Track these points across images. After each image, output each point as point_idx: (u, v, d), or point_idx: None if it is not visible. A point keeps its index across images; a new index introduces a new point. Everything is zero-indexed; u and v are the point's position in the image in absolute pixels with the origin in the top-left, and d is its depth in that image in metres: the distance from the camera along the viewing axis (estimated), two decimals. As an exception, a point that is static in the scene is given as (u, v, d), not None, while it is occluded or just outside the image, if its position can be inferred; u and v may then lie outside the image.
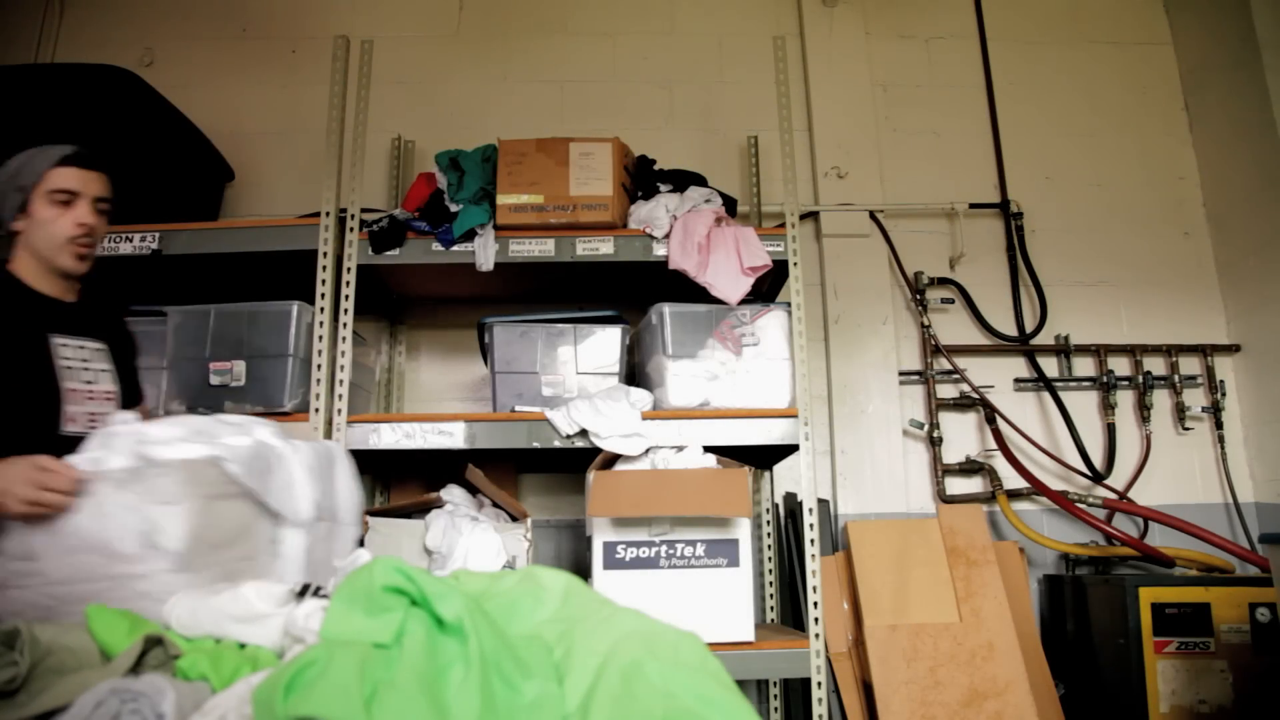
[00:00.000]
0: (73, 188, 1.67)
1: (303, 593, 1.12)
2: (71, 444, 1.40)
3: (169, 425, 1.42)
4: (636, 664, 0.88)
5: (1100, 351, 3.10)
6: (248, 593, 1.11)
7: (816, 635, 2.16)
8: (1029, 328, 3.11)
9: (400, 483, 2.84)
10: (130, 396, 1.81)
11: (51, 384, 1.63)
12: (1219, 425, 3.02)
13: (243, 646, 1.06)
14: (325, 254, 2.33)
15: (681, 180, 2.53)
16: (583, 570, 2.04)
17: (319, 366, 2.26)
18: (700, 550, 2.12)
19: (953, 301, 3.15)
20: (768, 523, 2.83)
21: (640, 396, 2.30)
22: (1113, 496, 2.93)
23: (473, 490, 2.35)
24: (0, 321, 1.60)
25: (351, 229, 2.38)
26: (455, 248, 2.36)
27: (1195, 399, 3.09)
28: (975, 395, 3.02)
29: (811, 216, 3.17)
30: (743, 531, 2.14)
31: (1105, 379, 3.05)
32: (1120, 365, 3.11)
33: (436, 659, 0.86)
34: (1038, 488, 2.88)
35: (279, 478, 1.49)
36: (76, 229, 1.67)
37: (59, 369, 1.64)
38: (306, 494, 1.52)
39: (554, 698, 0.87)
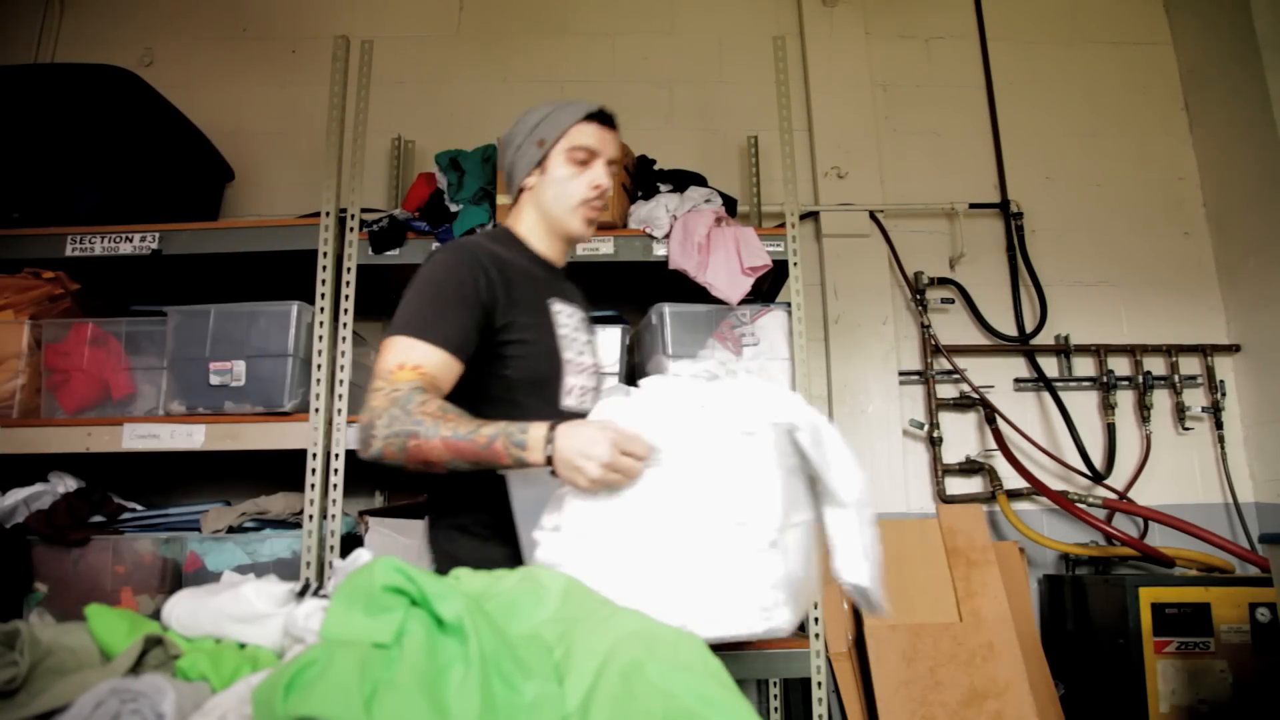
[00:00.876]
0: (593, 146, 1.56)
1: (303, 592, 1.12)
2: (567, 420, 1.24)
3: (730, 387, 1.26)
4: (636, 664, 0.88)
5: (1100, 351, 3.10)
6: (248, 592, 1.11)
7: (816, 635, 2.16)
8: (1029, 328, 3.11)
9: (401, 483, 2.84)
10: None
11: (555, 353, 1.51)
12: (1219, 425, 3.02)
13: (243, 646, 1.06)
14: (325, 254, 2.33)
15: (681, 180, 2.53)
16: (583, 570, 2.03)
17: (319, 366, 2.26)
18: (700, 550, 2.11)
19: (953, 301, 3.15)
20: (768, 523, 2.83)
21: (640, 396, 2.29)
22: (1113, 496, 2.93)
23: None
24: (521, 281, 1.48)
25: (351, 229, 2.38)
26: (455, 248, 2.36)
27: (1195, 399, 3.09)
28: (975, 395, 3.02)
29: (811, 216, 3.17)
30: (743, 531, 2.13)
31: (1105, 379, 3.05)
32: (1120, 365, 3.11)
33: (436, 659, 0.86)
34: (1038, 488, 2.88)
35: (830, 451, 1.29)
36: (591, 190, 1.55)
37: (559, 337, 1.52)
38: (856, 472, 1.29)
39: (554, 698, 0.87)
